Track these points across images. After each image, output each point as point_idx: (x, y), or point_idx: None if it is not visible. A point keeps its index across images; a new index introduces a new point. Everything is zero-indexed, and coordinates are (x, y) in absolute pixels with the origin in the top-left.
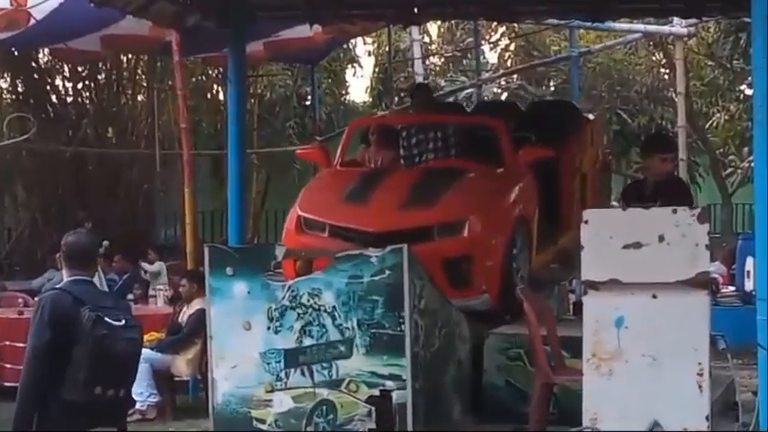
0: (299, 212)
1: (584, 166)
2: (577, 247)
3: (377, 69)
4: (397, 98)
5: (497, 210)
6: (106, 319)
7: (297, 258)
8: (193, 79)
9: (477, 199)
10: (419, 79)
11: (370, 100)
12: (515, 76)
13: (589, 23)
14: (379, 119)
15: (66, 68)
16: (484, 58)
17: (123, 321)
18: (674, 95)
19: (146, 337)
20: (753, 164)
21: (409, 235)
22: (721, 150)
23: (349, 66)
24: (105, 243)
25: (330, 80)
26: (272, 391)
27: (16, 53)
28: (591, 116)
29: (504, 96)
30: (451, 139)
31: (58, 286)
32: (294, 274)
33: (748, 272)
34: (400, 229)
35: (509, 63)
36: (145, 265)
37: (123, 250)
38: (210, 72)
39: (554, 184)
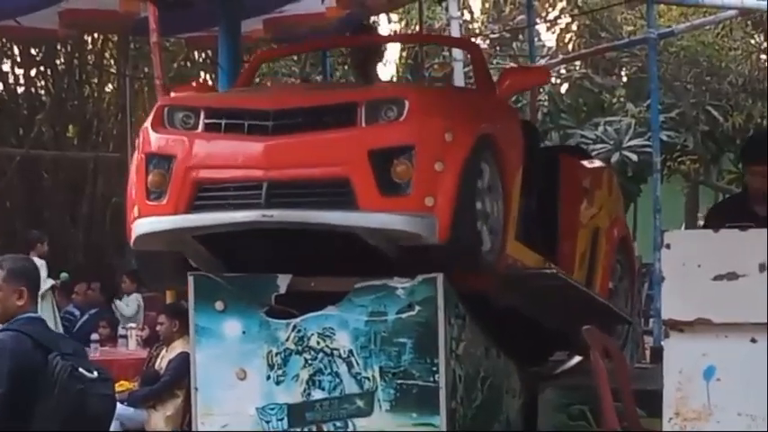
0: (160, 102)
1: (596, 205)
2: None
3: (405, 54)
4: None
5: (458, 103)
6: (80, 370)
7: (149, 165)
8: (175, 65)
9: (425, 86)
10: (457, 67)
11: None
12: (578, 62)
13: None
14: (292, 48)
15: (16, 51)
16: (539, 40)
17: (96, 373)
18: None
19: (115, 388)
20: None
21: (323, 116)
22: None
23: None
24: (64, 275)
25: (346, 67)
26: None
27: None
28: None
29: (564, 88)
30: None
31: (10, 326)
32: (145, 194)
33: None
34: (310, 107)
35: (570, 47)
36: (120, 306)
37: (86, 281)
38: (196, 57)
39: (550, 202)
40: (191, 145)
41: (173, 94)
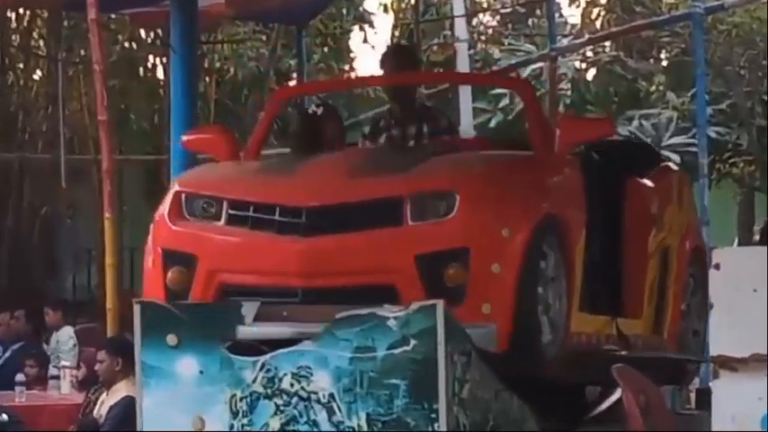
0: (177, 188)
1: (665, 224)
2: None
3: (398, 33)
4: None
5: (515, 186)
6: None
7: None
8: (117, 47)
9: (481, 164)
10: (461, 48)
11: None
12: (608, 43)
13: None
14: (316, 84)
15: None
16: (561, 16)
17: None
18: None
19: None
20: None
21: (365, 213)
22: None
23: (356, 28)
24: None
25: (327, 50)
26: None
27: None
28: (675, 167)
29: (591, 73)
30: (445, 136)
31: None
32: (163, 293)
33: None
34: (349, 204)
35: (598, 25)
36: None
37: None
38: (144, 37)
39: (615, 234)
40: (214, 242)
41: (188, 174)
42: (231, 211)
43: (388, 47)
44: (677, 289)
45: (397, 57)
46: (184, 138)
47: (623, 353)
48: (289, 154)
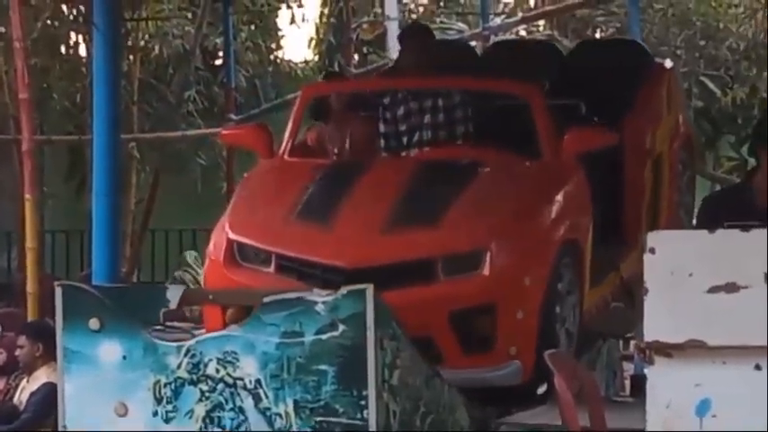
0: (230, 235)
1: (657, 144)
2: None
3: (326, 11)
4: (357, 55)
5: (534, 231)
6: None
7: (210, 304)
8: (39, 24)
9: (502, 214)
10: (391, 26)
11: (316, 58)
12: (542, 22)
13: None
14: (346, 83)
15: None
16: None
17: None
18: None
19: None
20: None
21: (400, 273)
22: None
23: (283, 5)
24: None
25: (254, 27)
26: None
27: None
28: (667, 64)
29: None
30: (459, 111)
31: None
32: (222, 324)
33: None
34: (385, 265)
35: (532, 3)
36: None
37: None
38: (65, 13)
39: (614, 177)
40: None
41: (238, 219)
42: (279, 261)
43: (406, 26)
44: (670, 189)
45: (413, 36)
46: (224, 133)
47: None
48: (323, 176)
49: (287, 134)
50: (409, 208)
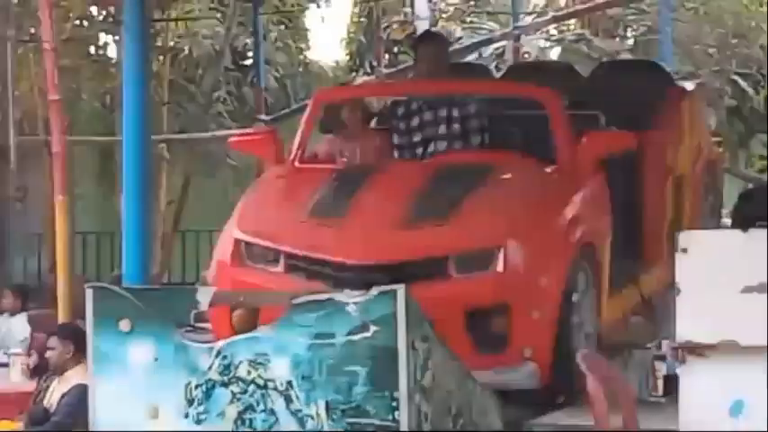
0: (238, 234)
1: (679, 164)
2: (671, 289)
3: (357, 11)
4: (387, 56)
5: (549, 231)
6: None
7: (234, 306)
8: (68, 26)
9: (517, 213)
10: (422, 25)
11: (347, 58)
12: (573, 21)
13: None
14: (358, 88)
15: None
16: None
17: None
18: None
19: None
20: None
21: (412, 270)
22: None
23: (312, 5)
24: None
25: (284, 27)
26: None
27: None
28: (689, 86)
29: (554, 54)
30: (474, 121)
31: None
32: (229, 331)
33: None
34: (397, 262)
35: (563, 2)
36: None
37: None
38: (95, 14)
39: (634, 192)
40: (272, 290)
41: (246, 219)
42: (288, 260)
43: (420, 34)
44: (691, 212)
45: (427, 45)
46: (233, 140)
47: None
48: (334, 178)
49: (296, 140)
50: (422, 206)
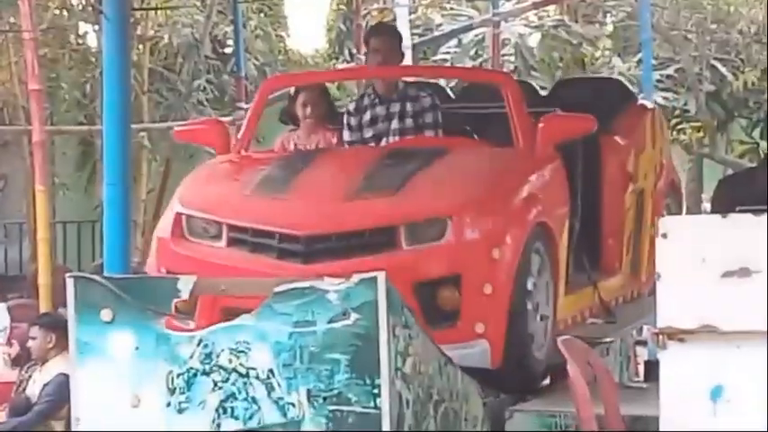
0: (179, 208)
1: (639, 175)
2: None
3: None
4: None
5: (502, 204)
6: None
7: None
8: (48, 15)
9: (469, 185)
10: (401, 12)
11: (327, 46)
12: (552, 7)
13: None
14: (308, 74)
15: None
16: None
17: None
18: None
19: None
20: None
21: (360, 240)
22: None
23: None
24: None
25: (263, 15)
26: None
27: None
28: (648, 104)
29: (534, 40)
30: (428, 115)
31: None
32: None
33: None
34: (344, 232)
35: None
36: None
37: None
38: (75, 3)
39: (592, 196)
40: (215, 267)
41: (189, 193)
42: (231, 234)
43: (372, 26)
44: (653, 230)
45: (380, 36)
46: (177, 130)
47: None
48: (282, 160)
49: (243, 129)
50: (372, 180)
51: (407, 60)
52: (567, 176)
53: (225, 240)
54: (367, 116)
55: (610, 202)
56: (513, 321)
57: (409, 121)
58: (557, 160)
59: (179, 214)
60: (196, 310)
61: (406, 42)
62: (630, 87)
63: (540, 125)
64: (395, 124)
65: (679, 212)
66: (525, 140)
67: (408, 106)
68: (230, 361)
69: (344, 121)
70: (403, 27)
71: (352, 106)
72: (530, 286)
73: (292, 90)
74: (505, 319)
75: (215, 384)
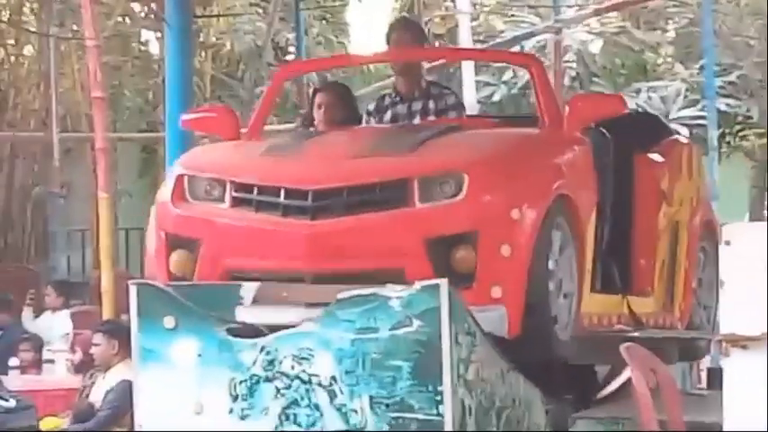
0: (180, 170)
1: (675, 200)
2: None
3: (398, 5)
4: None
5: (524, 164)
6: None
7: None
8: (111, 22)
9: (488, 144)
10: (463, 20)
11: None
12: (614, 14)
13: None
14: (321, 61)
15: None
16: None
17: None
18: None
19: (40, 426)
20: None
21: (371, 196)
22: None
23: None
24: None
25: (325, 22)
26: None
27: None
28: (684, 139)
29: (597, 45)
30: (452, 113)
31: None
32: (168, 276)
33: None
34: (354, 185)
35: None
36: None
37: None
38: (137, 11)
39: (624, 212)
40: (218, 226)
41: (191, 156)
42: (235, 194)
43: (394, 20)
44: (688, 265)
45: (402, 30)
46: (184, 117)
47: (634, 333)
48: (293, 132)
49: (253, 116)
50: (385, 141)
51: (470, 67)
52: (599, 185)
53: (229, 201)
54: (387, 115)
55: (642, 220)
56: (533, 290)
57: (432, 119)
58: (585, 144)
59: (181, 176)
60: (195, 271)
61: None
62: (666, 123)
63: (568, 105)
64: (416, 122)
65: (715, 257)
66: (552, 121)
67: (431, 104)
68: (293, 368)
69: (363, 122)
70: (465, 34)
71: (371, 106)
72: (551, 259)
73: (313, 93)
74: (524, 286)
75: (278, 391)
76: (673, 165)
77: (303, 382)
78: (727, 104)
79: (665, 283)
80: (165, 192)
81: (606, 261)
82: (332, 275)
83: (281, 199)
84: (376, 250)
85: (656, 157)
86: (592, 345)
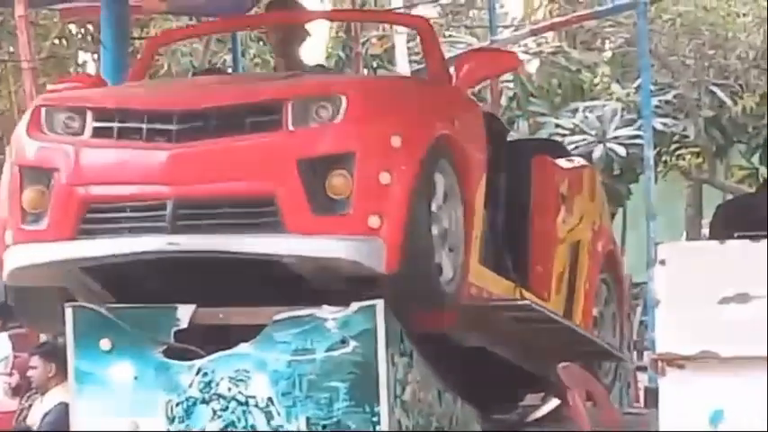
0: (38, 101)
1: (575, 216)
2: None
3: (335, 26)
4: (366, 71)
5: (406, 96)
6: None
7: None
8: (47, 43)
9: (366, 79)
10: (400, 41)
11: None
12: (550, 34)
13: None
14: (191, 29)
15: None
16: (501, 6)
17: None
18: None
19: None
20: None
21: (241, 117)
22: None
23: None
24: None
25: (262, 43)
26: None
27: None
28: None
29: (533, 66)
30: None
31: None
32: (20, 214)
33: None
34: (222, 106)
35: (540, 14)
36: None
37: None
38: (74, 33)
39: (520, 209)
40: (76, 155)
41: (50, 91)
42: (96, 124)
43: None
44: (588, 290)
45: (281, 5)
46: (49, 87)
47: (530, 305)
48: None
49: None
50: (260, 75)
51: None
52: (495, 191)
53: (89, 132)
54: None
55: (540, 219)
56: (414, 227)
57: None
58: (476, 109)
59: (37, 107)
60: (49, 207)
61: (406, 69)
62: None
63: (457, 61)
64: None
65: (618, 291)
66: (439, 75)
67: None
68: (229, 389)
69: None
70: (401, 54)
71: None
72: (435, 203)
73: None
74: (404, 220)
75: (214, 413)
76: (573, 177)
77: (240, 403)
78: (664, 124)
79: (564, 300)
80: (20, 126)
81: (500, 249)
82: (196, 201)
83: (144, 123)
84: (244, 173)
85: (555, 162)
86: (482, 322)
